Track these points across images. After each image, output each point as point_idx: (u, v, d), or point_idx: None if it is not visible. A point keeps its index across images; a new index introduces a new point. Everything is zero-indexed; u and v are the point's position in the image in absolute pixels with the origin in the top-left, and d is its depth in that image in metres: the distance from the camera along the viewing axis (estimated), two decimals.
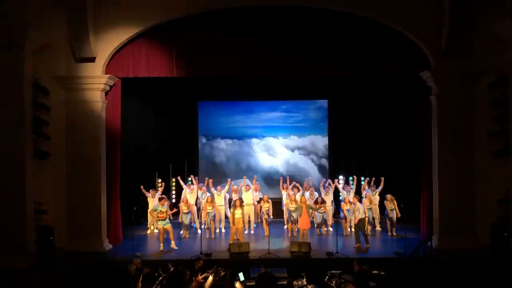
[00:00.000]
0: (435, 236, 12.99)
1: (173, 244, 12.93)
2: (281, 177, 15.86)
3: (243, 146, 18.28)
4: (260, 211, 15.16)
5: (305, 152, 18.19)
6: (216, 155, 18.31)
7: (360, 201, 13.82)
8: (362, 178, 17.39)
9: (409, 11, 12.61)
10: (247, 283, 10.26)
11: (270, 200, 15.01)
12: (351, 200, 13.93)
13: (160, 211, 12.94)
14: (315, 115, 18.19)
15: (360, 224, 13.12)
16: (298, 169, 18.17)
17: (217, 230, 14.78)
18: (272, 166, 18.22)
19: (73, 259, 11.96)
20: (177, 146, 17.66)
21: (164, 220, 12.92)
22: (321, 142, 18.18)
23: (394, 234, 14.34)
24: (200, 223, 14.63)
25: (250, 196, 14.80)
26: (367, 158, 17.21)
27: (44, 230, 11.55)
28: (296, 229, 14.15)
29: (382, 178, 14.80)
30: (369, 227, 14.11)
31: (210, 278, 10.23)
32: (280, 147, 18.23)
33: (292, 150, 18.23)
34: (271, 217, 14.70)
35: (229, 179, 15.35)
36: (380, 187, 14.81)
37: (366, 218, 13.48)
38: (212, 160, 18.30)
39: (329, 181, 15.48)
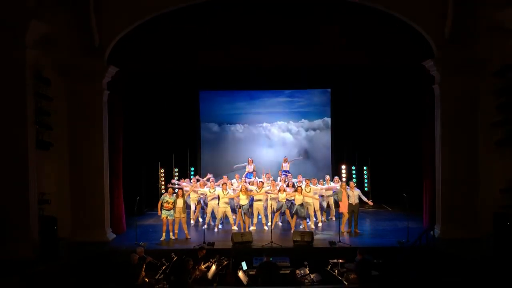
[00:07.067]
0: (438, 225, 13.00)
1: (175, 235, 13.00)
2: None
3: (246, 134, 18.35)
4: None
5: (311, 138, 18.27)
6: (219, 143, 18.34)
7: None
8: (365, 168, 17.47)
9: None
10: (250, 272, 10.32)
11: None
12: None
13: (167, 201, 12.94)
14: (319, 102, 18.30)
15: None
16: (308, 154, 18.33)
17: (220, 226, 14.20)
18: (279, 152, 18.11)
19: (77, 249, 12.03)
20: (179, 136, 17.66)
21: (169, 210, 12.92)
22: (325, 130, 18.24)
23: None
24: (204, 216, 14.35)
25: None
26: (370, 147, 17.31)
27: (47, 220, 11.60)
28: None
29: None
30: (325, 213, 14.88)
31: (213, 267, 10.29)
32: (284, 134, 18.31)
33: (297, 135, 18.33)
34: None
35: (225, 176, 14.89)
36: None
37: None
38: (215, 148, 18.33)
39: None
